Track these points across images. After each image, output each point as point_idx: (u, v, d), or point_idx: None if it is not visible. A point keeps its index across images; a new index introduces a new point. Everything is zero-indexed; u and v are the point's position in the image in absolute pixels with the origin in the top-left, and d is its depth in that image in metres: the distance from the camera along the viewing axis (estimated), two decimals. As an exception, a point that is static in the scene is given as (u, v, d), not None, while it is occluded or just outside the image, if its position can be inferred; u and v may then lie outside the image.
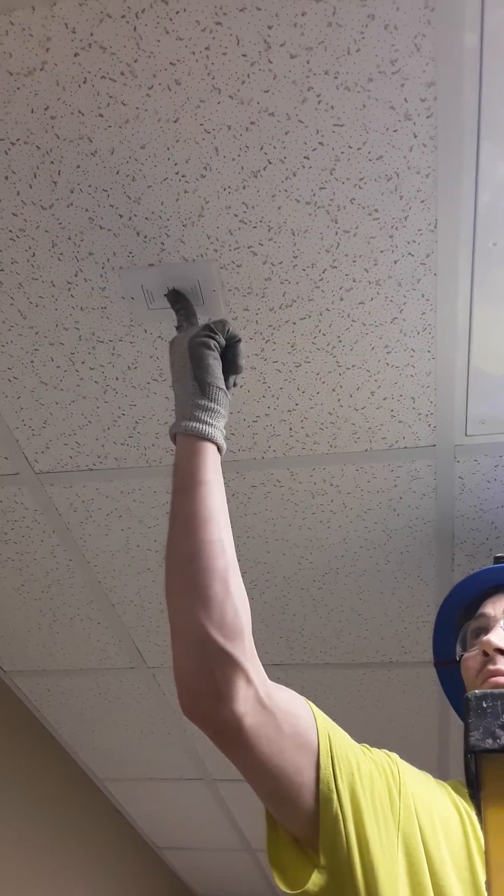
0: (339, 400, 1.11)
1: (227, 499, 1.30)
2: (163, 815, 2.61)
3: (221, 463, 1.23)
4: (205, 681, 0.72)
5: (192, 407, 0.82)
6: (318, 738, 0.76)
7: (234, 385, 0.90)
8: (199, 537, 0.76)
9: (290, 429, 1.17)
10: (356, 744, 0.84)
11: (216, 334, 0.86)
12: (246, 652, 0.74)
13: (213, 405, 0.82)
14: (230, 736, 0.72)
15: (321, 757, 0.74)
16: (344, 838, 0.73)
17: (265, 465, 1.23)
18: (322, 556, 1.41)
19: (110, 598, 1.57)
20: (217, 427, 0.82)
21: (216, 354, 0.85)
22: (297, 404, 1.13)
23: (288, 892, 0.73)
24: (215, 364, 0.85)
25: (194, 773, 2.29)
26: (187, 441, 0.82)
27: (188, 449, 0.81)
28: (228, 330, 0.87)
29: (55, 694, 1.94)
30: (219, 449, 0.83)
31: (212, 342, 0.85)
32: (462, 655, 0.99)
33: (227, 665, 0.72)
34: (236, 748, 0.72)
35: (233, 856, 2.92)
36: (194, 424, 0.81)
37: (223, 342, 0.86)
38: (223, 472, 1.25)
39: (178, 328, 0.93)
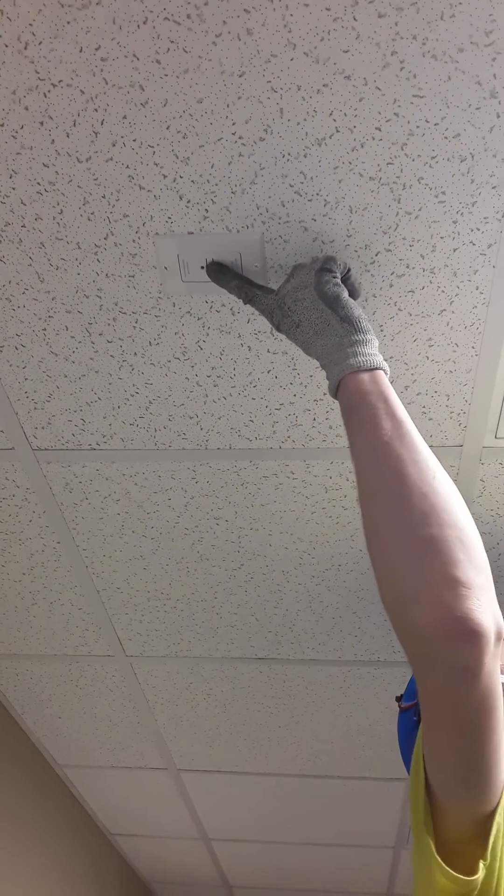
0: (369, 392, 1.06)
1: (236, 488, 1.25)
2: (120, 802, 2.55)
3: (235, 451, 1.17)
4: None
5: (350, 345, 0.78)
6: None
7: None
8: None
9: (314, 419, 1.11)
10: None
11: (335, 273, 0.82)
12: None
13: (369, 336, 0.79)
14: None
15: None
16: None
17: (281, 455, 1.17)
18: (325, 552, 1.36)
19: (96, 584, 1.50)
20: (379, 355, 0.79)
21: (345, 288, 0.82)
22: (324, 394, 1.07)
23: (461, 876, 0.70)
24: (350, 299, 0.81)
25: (159, 762, 2.23)
26: (359, 377, 0.76)
27: (365, 382, 0.76)
28: (339, 264, 0.83)
29: (24, 679, 1.85)
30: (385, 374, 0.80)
31: (336, 278, 0.81)
32: None
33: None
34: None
35: (187, 844, 2.88)
36: (363, 359, 0.77)
37: (339, 277, 0.83)
38: (236, 461, 1.19)
39: (249, 300, 0.85)
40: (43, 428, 1.16)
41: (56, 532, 1.37)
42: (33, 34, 0.73)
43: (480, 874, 0.71)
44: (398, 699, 1.24)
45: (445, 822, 0.74)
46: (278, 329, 0.85)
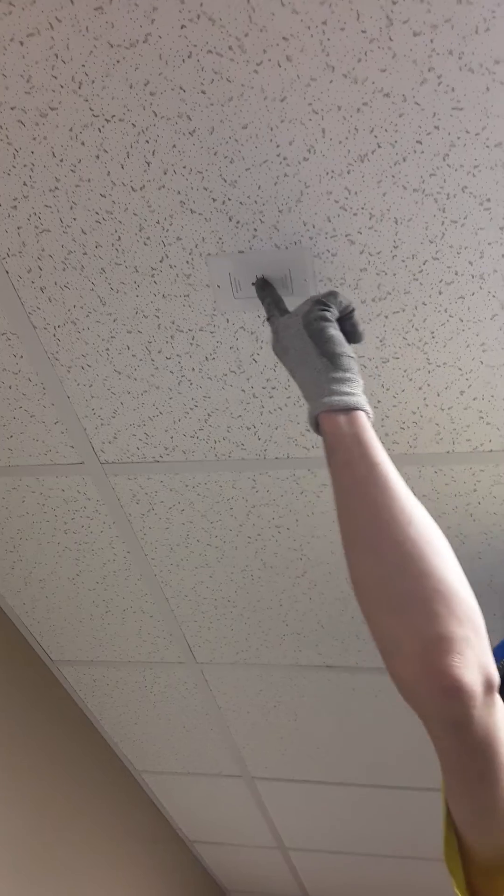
0: (424, 399, 1.06)
1: (296, 496, 1.27)
2: (197, 809, 2.59)
3: (293, 460, 1.19)
4: None
5: (327, 382, 0.76)
6: None
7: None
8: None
9: (370, 427, 1.12)
10: None
11: (329, 307, 0.80)
12: None
13: (349, 375, 0.77)
14: None
15: None
16: None
17: (339, 463, 1.18)
18: (388, 560, 1.36)
19: (165, 592, 1.55)
20: (360, 395, 0.76)
21: (336, 325, 0.80)
22: (379, 401, 1.08)
23: None
24: (338, 334, 0.79)
25: (234, 769, 2.26)
26: (334, 418, 0.74)
27: (340, 424, 0.74)
28: (341, 301, 0.82)
29: (101, 685, 1.92)
30: (367, 416, 0.77)
31: (328, 314, 0.80)
32: None
33: None
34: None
35: (264, 853, 2.89)
36: (338, 398, 0.75)
37: (337, 314, 0.81)
38: (294, 469, 1.22)
39: (268, 319, 0.88)
40: (110, 442, 1.21)
41: (126, 542, 1.43)
42: (86, 74, 0.78)
43: None
44: None
45: (472, 854, 0.72)
46: (274, 352, 0.85)
